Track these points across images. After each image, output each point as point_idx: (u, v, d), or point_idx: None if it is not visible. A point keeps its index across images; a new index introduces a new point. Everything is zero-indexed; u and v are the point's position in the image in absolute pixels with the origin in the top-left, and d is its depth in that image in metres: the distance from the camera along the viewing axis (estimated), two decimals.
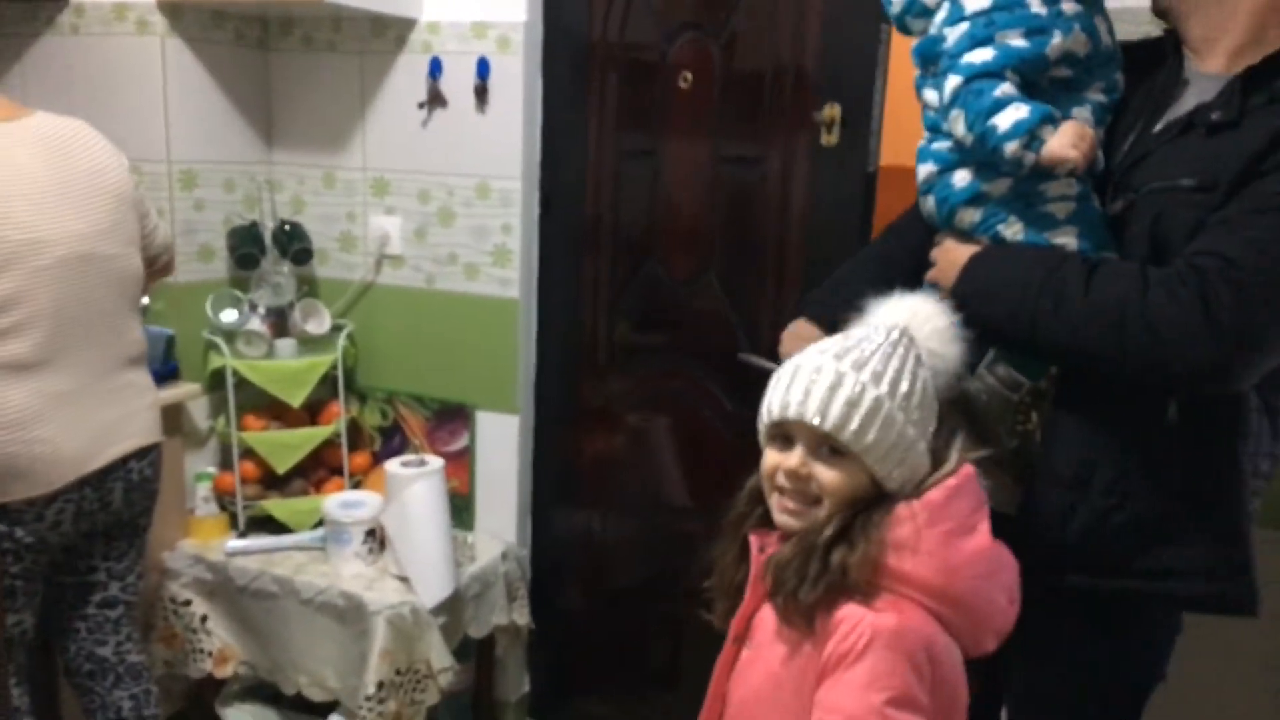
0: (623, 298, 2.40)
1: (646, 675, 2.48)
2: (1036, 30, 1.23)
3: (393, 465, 2.28)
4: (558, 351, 2.47)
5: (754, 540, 1.16)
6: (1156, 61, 1.29)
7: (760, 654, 1.14)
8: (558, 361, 2.47)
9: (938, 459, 1.09)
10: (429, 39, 2.35)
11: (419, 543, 2.21)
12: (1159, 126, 1.25)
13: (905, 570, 1.03)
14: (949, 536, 1.04)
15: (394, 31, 2.37)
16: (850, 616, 1.03)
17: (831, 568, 1.04)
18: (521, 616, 2.47)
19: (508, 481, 2.50)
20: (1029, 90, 1.24)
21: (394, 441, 2.58)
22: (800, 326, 1.49)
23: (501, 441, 2.48)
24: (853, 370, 1.07)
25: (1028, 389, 1.29)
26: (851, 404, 1.05)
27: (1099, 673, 1.30)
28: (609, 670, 2.53)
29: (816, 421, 1.06)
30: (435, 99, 2.37)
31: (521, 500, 2.52)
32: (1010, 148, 1.20)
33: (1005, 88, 1.22)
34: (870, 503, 1.07)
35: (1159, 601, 1.25)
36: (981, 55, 1.24)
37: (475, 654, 2.45)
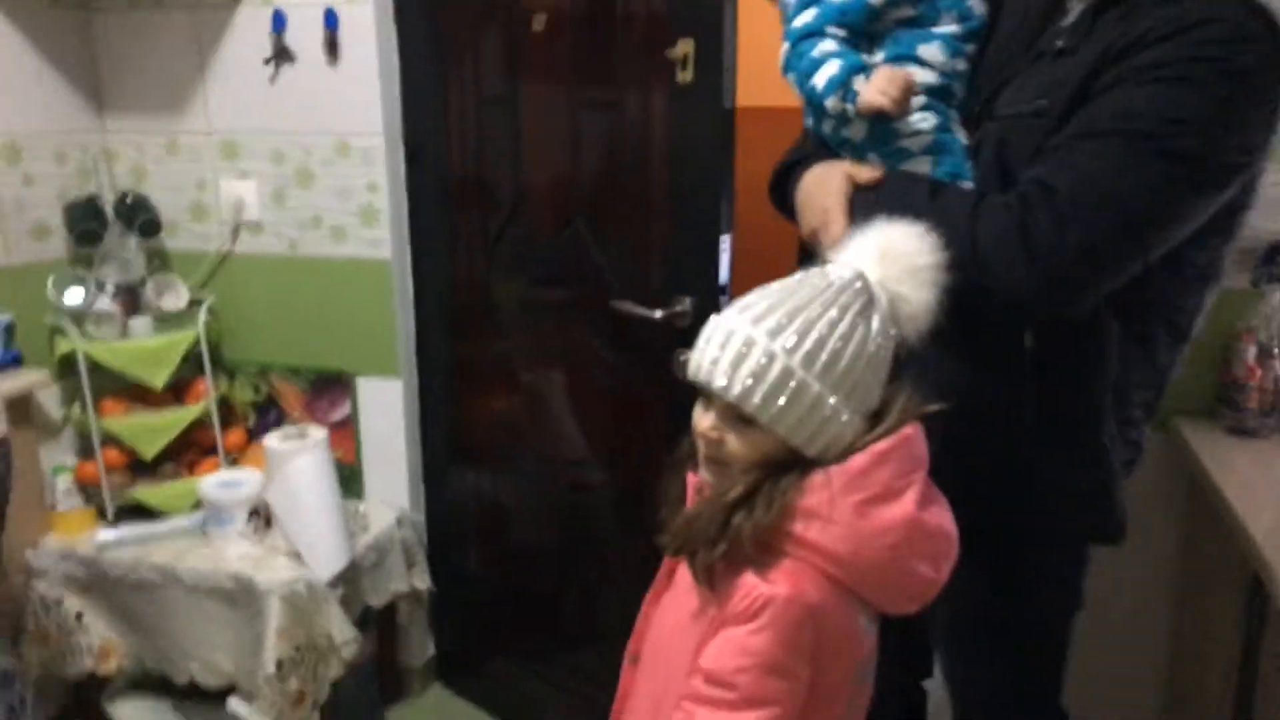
0: (497, 252, 2.35)
1: (556, 634, 2.48)
2: None
3: (272, 440, 2.19)
4: (437, 311, 2.41)
5: (692, 481, 1.16)
6: None
7: (678, 599, 1.15)
8: (438, 321, 2.42)
9: (879, 417, 1.06)
10: None
11: (308, 516, 2.14)
12: (1030, 51, 1.25)
13: (810, 539, 1.02)
14: (865, 505, 1.02)
15: None
16: (746, 583, 1.03)
17: (729, 532, 1.03)
18: (421, 581, 2.43)
19: (396, 447, 2.44)
20: (869, 39, 1.25)
21: (270, 416, 2.48)
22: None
23: (386, 407, 2.42)
24: (766, 337, 1.01)
25: None
26: (757, 375, 1.01)
27: (1007, 609, 1.33)
28: (517, 631, 2.52)
29: (721, 388, 1.03)
30: (282, 54, 2.25)
31: (412, 465, 2.47)
32: (830, 104, 1.23)
33: (823, 45, 1.24)
34: (788, 465, 1.04)
35: (1028, 534, 1.26)
36: (805, 17, 1.26)
37: (377, 623, 2.40)
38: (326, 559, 2.13)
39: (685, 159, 2.04)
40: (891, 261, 1.05)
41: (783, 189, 1.41)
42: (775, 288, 1.06)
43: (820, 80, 1.23)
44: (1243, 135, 1.09)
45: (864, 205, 1.22)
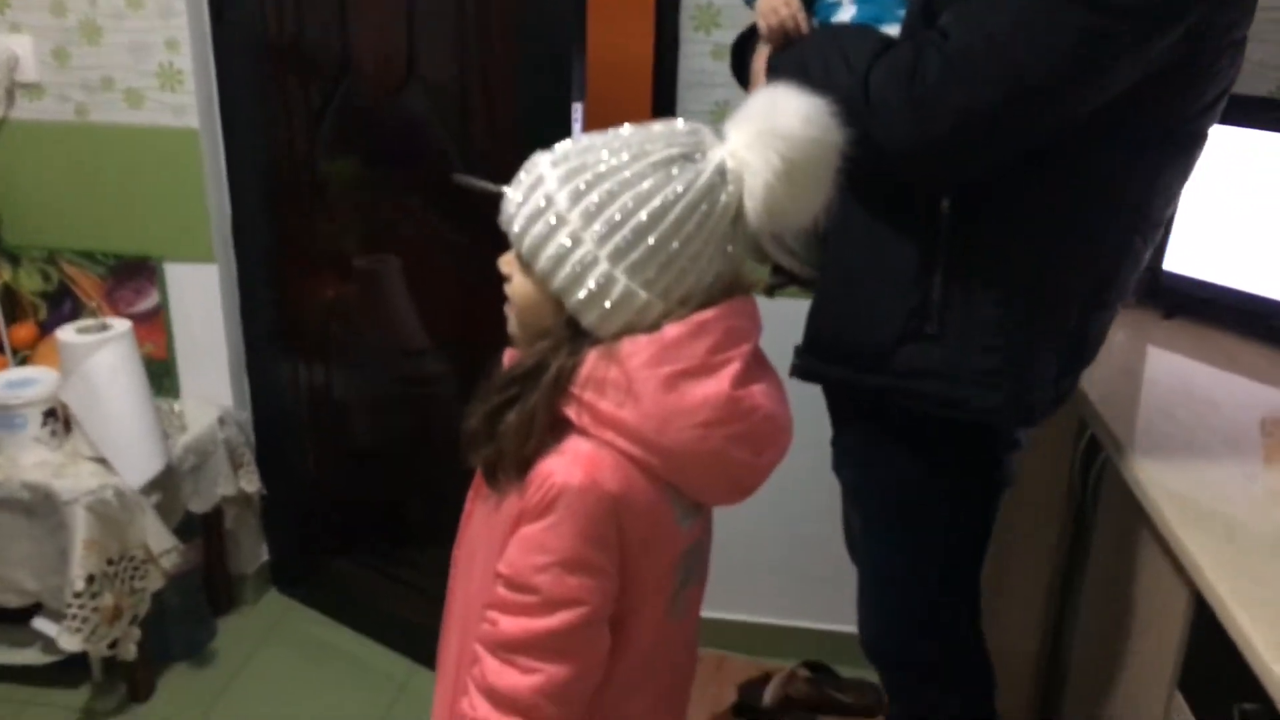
0: (321, 124, 2.12)
1: (396, 534, 2.36)
2: None
3: (66, 333, 1.94)
4: (255, 188, 2.17)
5: (507, 357, 1.05)
6: None
7: (482, 496, 1.06)
8: (256, 199, 2.18)
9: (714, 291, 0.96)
10: None
11: (113, 417, 1.93)
12: None
13: (611, 414, 0.92)
14: (675, 379, 0.91)
15: None
16: (541, 472, 0.94)
17: (497, 435, 0.96)
18: (250, 484, 2.26)
19: (214, 340, 2.22)
20: None
21: (64, 308, 2.21)
22: None
23: (200, 295, 2.19)
24: (559, 183, 0.92)
25: None
26: (530, 216, 0.93)
27: (912, 485, 1.28)
28: (354, 530, 2.39)
29: (506, 219, 0.96)
30: None
31: (234, 359, 2.26)
32: None
33: None
34: (567, 346, 0.95)
35: (912, 400, 1.19)
36: None
37: (202, 529, 2.23)
38: (137, 464, 1.93)
39: (534, 19, 1.87)
40: (744, 124, 0.94)
41: (741, 60, 1.33)
42: (609, 133, 0.96)
43: None
44: None
45: (778, 63, 1.17)
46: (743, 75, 1.35)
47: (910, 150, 1.05)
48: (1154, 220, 1.17)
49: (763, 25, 1.21)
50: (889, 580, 1.39)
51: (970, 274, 1.13)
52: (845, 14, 1.21)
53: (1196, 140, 1.14)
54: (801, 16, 1.20)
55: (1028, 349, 1.16)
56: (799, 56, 1.17)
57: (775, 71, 1.17)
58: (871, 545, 1.41)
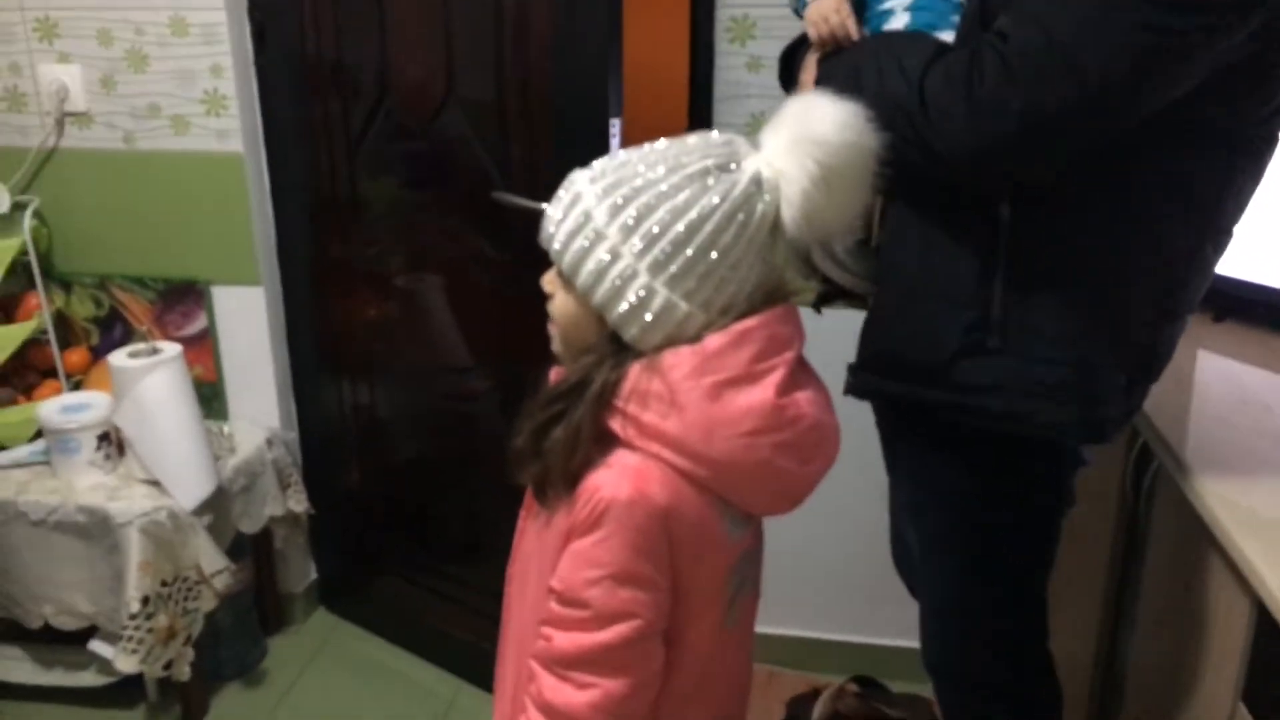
0: (362, 145, 2.15)
1: (444, 550, 2.37)
2: None
3: (118, 358, 1.98)
4: (298, 210, 2.20)
5: (553, 376, 1.05)
6: None
7: (533, 513, 1.06)
8: (299, 222, 2.21)
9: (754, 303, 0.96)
10: None
11: (165, 440, 1.96)
12: None
13: (658, 426, 0.92)
14: (720, 388, 0.92)
15: None
16: (589, 487, 0.94)
17: (544, 451, 0.97)
18: (298, 504, 2.28)
19: (261, 361, 2.25)
20: None
21: (115, 332, 2.25)
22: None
23: (247, 317, 2.22)
24: (597, 199, 0.93)
25: None
26: (570, 233, 0.94)
27: (975, 504, 1.23)
28: (402, 549, 2.40)
29: (547, 237, 0.97)
30: None
31: (280, 380, 2.29)
32: (791, 1, 1.28)
33: None
34: (610, 360, 0.95)
35: (976, 417, 1.14)
36: None
37: (252, 549, 2.25)
38: (189, 486, 1.96)
39: (569, 39, 1.88)
40: (779, 131, 0.93)
41: (789, 71, 1.32)
42: (645, 148, 0.97)
43: None
44: None
45: (829, 70, 1.15)
46: (790, 86, 1.33)
47: (972, 156, 1.02)
48: (1224, 226, 1.12)
49: (813, 33, 1.19)
50: (955, 602, 1.34)
51: (1032, 284, 1.09)
52: (898, 22, 1.19)
53: (1269, 144, 1.10)
54: (852, 23, 1.17)
55: (1096, 362, 1.11)
56: (851, 64, 1.14)
57: (826, 79, 1.14)
58: (933, 565, 1.36)
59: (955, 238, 1.12)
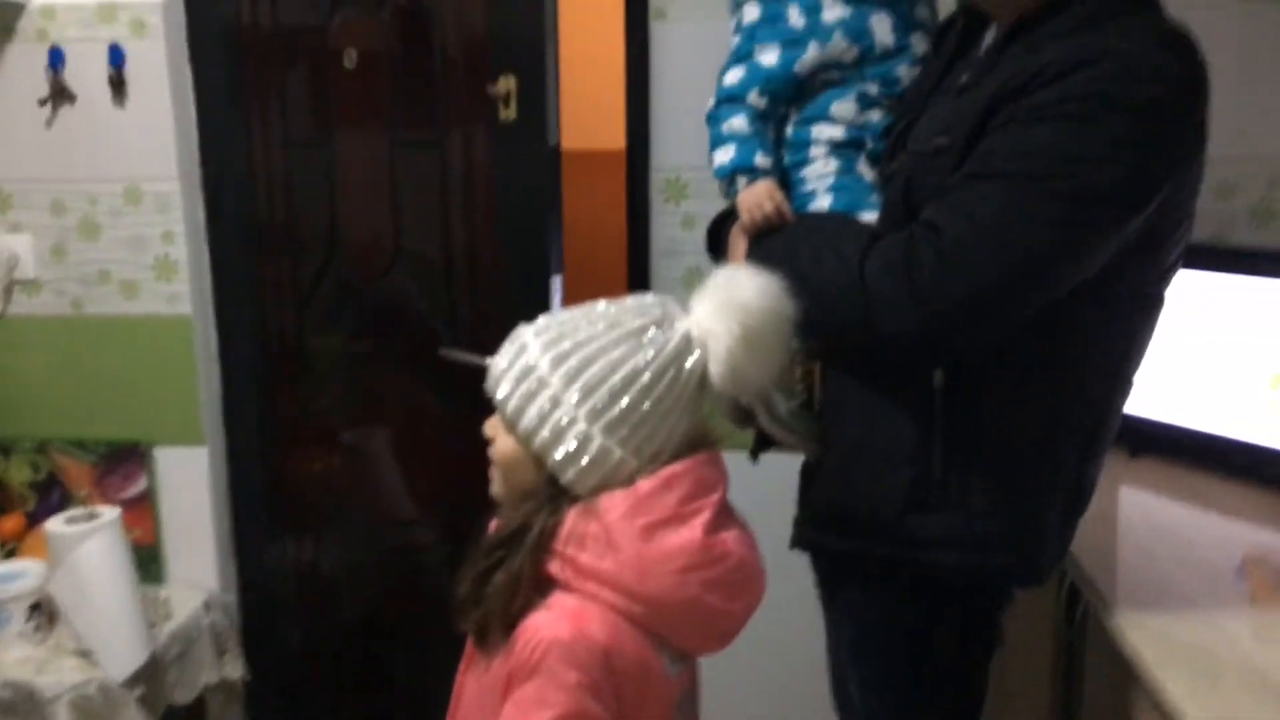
0: (311, 303, 2.20)
1: (386, 705, 2.30)
2: (791, 43, 1.24)
3: (55, 524, 1.95)
4: (245, 369, 2.22)
5: (493, 525, 1.08)
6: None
7: (475, 663, 1.08)
8: (246, 381, 2.22)
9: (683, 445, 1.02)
10: (44, 25, 2.03)
11: (99, 609, 1.90)
12: (941, 84, 1.23)
13: (594, 566, 0.97)
14: (651, 529, 0.97)
15: None
16: (528, 629, 0.97)
17: (486, 597, 1.00)
18: (234, 670, 2.21)
19: (201, 522, 2.22)
20: (790, 100, 1.28)
21: (52, 497, 2.21)
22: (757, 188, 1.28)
23: (188, 478, 2.20)
24: (541, 350, 1.00)
25: (798, 349, 1.22)
26: (515, 380, 1.00)
27: (919, 647, 1.25)
28: (344, 709, 2.32)
29: (489, 387, 1.03)
30: (60, 94, 2.04)
31: (220, 541, 2.25)
32: (721, 184, 1.30)
33: (733, 122, 1.26)
34: (548, 506, 1.00)
35: (921, 570, 1.19)
36: (732, 77, 1.28)
37: None
38: (121, 656, 1.89)
39: (511, 199, 1.98)
40: (707, 296, 1.02)
41: (718, 241, 1.38)
42: (586, 307, 1.05)
43: (716, 159, 1.28)
44: (1144, 170, 1.03)
45: (759, 248, 1.21)
46: (718, 256, 1.38)
47: (921, 339, 1.08)
48: (1128, 375, 1.21)
49: (746, 218, 1.23)
50: None
51: (970, 443, 1.14)
52: (822, 203, 1.25)
53: (1161, 301, 1.20)
54: (787, 209, 1.22)
55: (1034, 509, 1.16)
56: (787, 249, 1.18)
57: (760, 260, 1.17)
58: (873, 704, 1.36)
59: (894, 403, 1.17)
